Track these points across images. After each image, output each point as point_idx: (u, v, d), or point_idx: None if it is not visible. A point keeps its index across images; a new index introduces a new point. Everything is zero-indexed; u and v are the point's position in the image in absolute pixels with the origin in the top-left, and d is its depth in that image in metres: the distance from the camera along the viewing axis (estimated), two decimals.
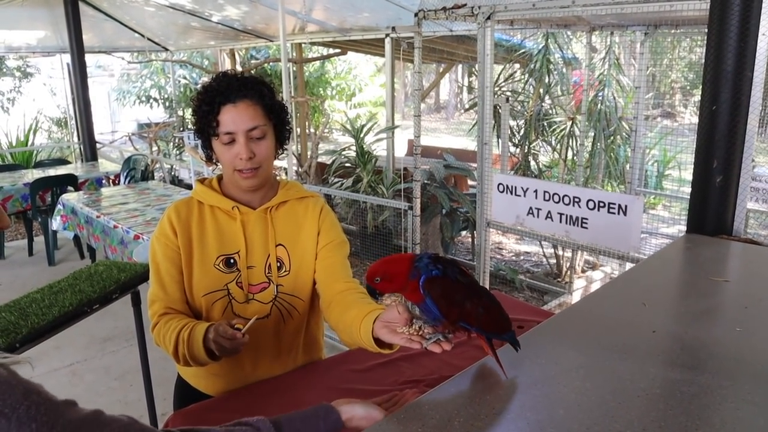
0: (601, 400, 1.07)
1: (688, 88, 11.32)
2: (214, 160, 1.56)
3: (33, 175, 6.26)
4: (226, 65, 10.15)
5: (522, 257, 6.48)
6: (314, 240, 1.61)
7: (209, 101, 1.47)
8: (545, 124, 5.31)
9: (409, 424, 1.02)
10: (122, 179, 6.41)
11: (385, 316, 1.25)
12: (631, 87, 5.02)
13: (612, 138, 5.06)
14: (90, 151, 7.14)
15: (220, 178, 1.62)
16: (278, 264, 1.57)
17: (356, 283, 1.55)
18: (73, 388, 3.54)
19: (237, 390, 1.57)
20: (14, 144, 8.86)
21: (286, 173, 4.79)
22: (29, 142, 9.04)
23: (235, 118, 1.45)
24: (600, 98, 4.86)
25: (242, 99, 1.47)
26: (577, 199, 2.60)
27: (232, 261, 1.54)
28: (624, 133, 5.08)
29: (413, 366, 1.65)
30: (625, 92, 5.16)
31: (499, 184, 2.93)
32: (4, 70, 13.99)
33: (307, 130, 9.40)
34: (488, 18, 2.72)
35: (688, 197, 2.06)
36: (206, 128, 1.48)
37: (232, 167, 1.50)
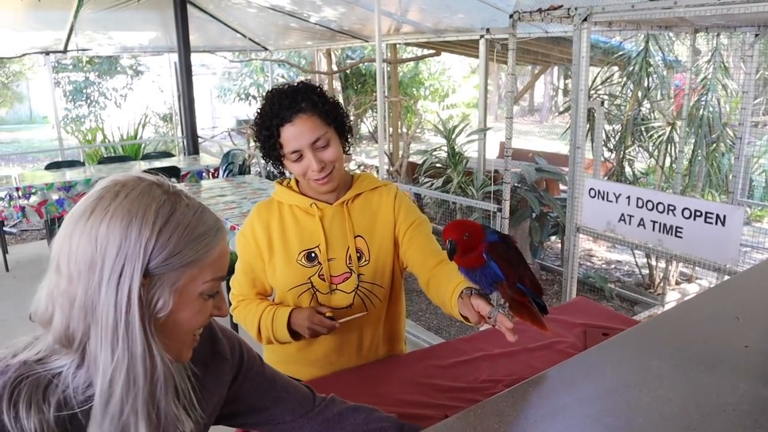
0: (683, 412, 1.05)
1: None
2: (288, 174, 1.64)
3: (141, 166, 6.67)
4: (323, 65, 10.42)
5: (613, 266, 6.28)
6: (391, 227, 1.67)
7: (267, 126, 1.51)
8: (642, 129, 5.12)
9: (487, 419, 1.05)
10: (221, 173, 6.70)
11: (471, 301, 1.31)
12: (738, 92, 4.75)
13: (714, 145, 4.82)
14: (192, 145, 7.49)
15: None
16: (358, 254, 1.64)
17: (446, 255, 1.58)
18: None
19: (322, 377, 1.65)
20: (125, 137, 9.48)
21: (378, 171, 4.88)
22: (138, 136, 9.63)
23: (296, 135, 1.49)
24: (703, 103, 4.64)
25: (297, 115, 1.49)
26: (672, 207, 2.51)
27: (313, 255, 1.62)
28: (728, 141, 4.83)
29: (493, 366, 1.67)
30: (731, 97, 4.90)
31: (591, 189, 2.88)
32: (119, 68, 14.97)
33: (399, 130, 9.49)
34: (585, 20, 2.67)
35: None
36: (272, 152, 1.54)
37: (305, 178, 1.56)
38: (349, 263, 1.63)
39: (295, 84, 1.57)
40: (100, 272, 0.80)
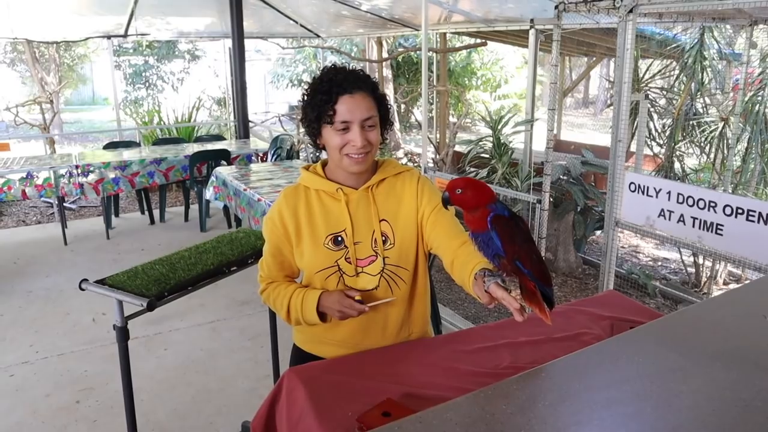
0: (693, 404, 1.06)
1: None
2: (321, 146, 1.68)
3: (193, 148, 6.84)
4: (374, 53, 10.45)
5: (660, 263, 6.15)
6: (415, 211, 1.71)
7: (326, 91, 1.57)
8: (695, 124, 4.98)
9: (496, 401, 1.08)
10: (270, 157, 6.83)
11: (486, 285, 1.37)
12: None
13: None
14: (243, 129, 7.64)
15: (324, 164, 1.75)
16: (383, 238, 1.69)
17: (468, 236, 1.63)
18: (212, 342, 3.90)
19: (348, 356, 1.70)
20: (179, 120, 9.73)
21: (419, 161, 4.90)
22: (192, 119, 9.88)
23: (352, 107, 1.57)
24: (760, 98, 4.48)
25: (358, 90, 1.58)
26: (713, 204, 2.46)
27: (339, 239, 1.67)
28: None
29: (516, 353, 1.69)
30: None
31: (631, 183, 2.84)
32: (176, 53, 15.35)
33: (446, 119, 9.47)
34: (630, 11, 2.63)
35: None
36: (322, 116, 1.59)
37: (341, 152, 1.61)
38: (375, 247, 1.68)
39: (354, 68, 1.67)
40: None
